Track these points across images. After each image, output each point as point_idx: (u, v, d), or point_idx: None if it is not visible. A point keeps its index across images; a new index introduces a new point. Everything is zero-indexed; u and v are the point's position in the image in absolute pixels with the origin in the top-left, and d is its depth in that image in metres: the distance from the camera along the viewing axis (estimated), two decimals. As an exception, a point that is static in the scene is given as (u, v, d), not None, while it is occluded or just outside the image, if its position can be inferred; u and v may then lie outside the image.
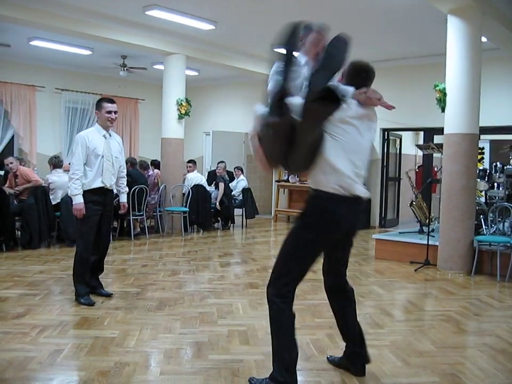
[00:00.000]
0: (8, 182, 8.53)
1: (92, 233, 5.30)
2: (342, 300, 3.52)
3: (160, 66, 11.51)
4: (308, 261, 3.19)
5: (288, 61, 3.05)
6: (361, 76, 3.22)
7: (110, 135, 5.44)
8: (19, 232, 8.27)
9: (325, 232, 3.18)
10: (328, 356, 3.79)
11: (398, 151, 12.86)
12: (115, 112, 5.36)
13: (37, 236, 8.08)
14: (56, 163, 8.72)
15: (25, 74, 12.33)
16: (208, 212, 10.85)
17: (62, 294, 5.53)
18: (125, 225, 9.92)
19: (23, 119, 12.35)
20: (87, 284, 5.34)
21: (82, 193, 5.19)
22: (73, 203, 5.21)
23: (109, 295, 5.49)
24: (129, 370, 3.55)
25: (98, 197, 5.30)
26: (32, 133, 12.51)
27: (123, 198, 5.77)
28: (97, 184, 5.28)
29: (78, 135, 5.35)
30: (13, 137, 12.45)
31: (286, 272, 3.17)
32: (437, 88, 7.45)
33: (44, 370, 3.52)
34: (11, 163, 8.31)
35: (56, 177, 8.55)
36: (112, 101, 5.42)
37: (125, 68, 12.12)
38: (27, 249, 7.99)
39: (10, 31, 9.74)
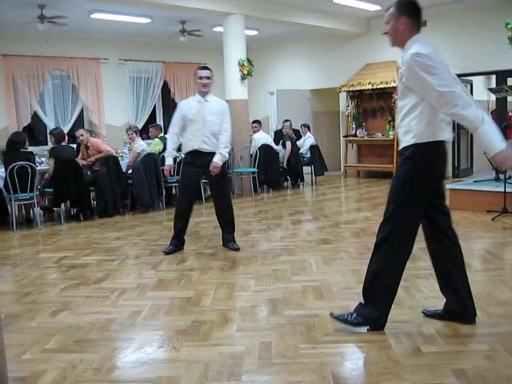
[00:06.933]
0: (80, 153, 8.77)
1: (186, 191, 5.78)
2: None
3: (220, 29, 11.42)
4: None
5: None
6: None
7: (207, 100, 5.71)
8: (94, 202, 8.54)
9: None
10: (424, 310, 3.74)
11: (469, 97, 12.34)
12: (207, 78, 5.67)
13: (111, 204, 8.33)
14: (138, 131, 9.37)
15: (89, 48, 12.54)
16: (277, 172, 10.83)
17: (138, 258, 5.69)
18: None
19: (90, 92, 12.63)
20: (178, 236, 5.89)
21: (172, 155, 5.91)
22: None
23: (236, 249, 5.87)
24: (207, 328, 3.62)
25: (192, 159, 5.71)
26: (99, 105, 12.79)
27: (215, 158, 5.71)
28: (190, 147, 5.69)
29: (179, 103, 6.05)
30: (82, 110, 12.77)
31: None
32: (509, 26, 7.08)
33: (125, 331, 3.64)
34: (81, 135, 8.54)
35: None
36: (204, 68, 5.79)
37: (185, 33, 12.12)
38: (103, 217, 8.25)
39: (71, 6, 9.90)
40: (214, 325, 3.68)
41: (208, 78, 5.64)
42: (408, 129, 3.24)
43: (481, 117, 2.98)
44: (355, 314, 3.46)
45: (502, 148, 2.95)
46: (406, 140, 3.26)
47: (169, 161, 5.87)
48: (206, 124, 5.62)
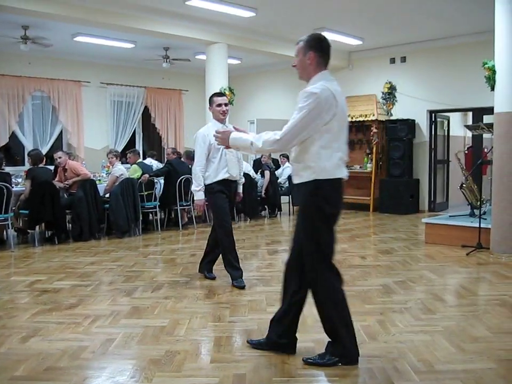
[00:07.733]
0: (57, 176, 8.69)
1: (227, 219, 5.48)
2: None
3: (203, 56, 11.52)
4: None
5: None
6: None
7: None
8: (70, 225, 8.44)
9: None
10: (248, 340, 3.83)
11: (446, 133, 12.57)
12: (225, 105, 5.52)
13: (87, 228, 8.24)
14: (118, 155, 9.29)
15: (71, 70, 12.54)
16: (254, 200, 10.83)
17: (113, 285, 5.61)
18: (172, 215, 10.02)
19: (71, 114, 12.59)
20: (236, 267, 5.59)
21: (203, 189, 5.43)
22: (194, 198, 5.49)
23: (213, 278, 5.81)
24: (180, 358, 3.57)
25: (224, 188, 5.47)
26: (79, 127, 12.74)
27: (239, 188, 5.89)
28: (222, 175, 5.44)
29: (197, 133, 5.56)
30: (61, 132, 12.69)
31: None
32: (486, 66, 7.21)
33: (97, 359, 3.57)
34: (60, 158, 8.45)
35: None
36: (221, 94, 5.69)
37: (168, 60, 12.19)
38: (78, 241, 8.15)
39: (55, 29, 9.91)
40: (187, 355, 3.63)
41: (226, 104, 5.55)
42: (307, 165, 3.29)
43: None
44: (328, 356, 3.45)
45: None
46: (305, 176, 3.30)
47: (202, 195, 5.46)
48: (235, 152, 5.52)
